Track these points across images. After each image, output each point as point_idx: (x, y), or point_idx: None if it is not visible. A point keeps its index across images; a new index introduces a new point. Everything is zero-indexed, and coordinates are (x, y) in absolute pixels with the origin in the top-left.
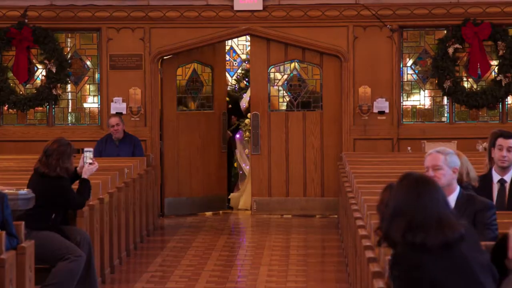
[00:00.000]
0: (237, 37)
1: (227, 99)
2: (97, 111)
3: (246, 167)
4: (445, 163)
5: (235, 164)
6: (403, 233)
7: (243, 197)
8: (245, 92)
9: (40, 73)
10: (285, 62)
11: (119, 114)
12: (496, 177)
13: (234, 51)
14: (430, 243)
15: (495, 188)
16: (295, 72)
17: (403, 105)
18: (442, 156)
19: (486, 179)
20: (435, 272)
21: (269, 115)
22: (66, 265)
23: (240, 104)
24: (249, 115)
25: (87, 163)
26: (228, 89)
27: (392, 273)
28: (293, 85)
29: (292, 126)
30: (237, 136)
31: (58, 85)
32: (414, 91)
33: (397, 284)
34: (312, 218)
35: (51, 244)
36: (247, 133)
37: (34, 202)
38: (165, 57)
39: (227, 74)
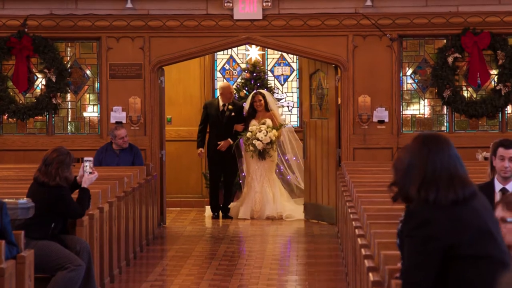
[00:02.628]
0: (237, 46)
1: (230, 107)
2: (96, 120)
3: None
4: None
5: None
6: (418, 189)
7: (242, 207)
8: (245, 102)
9: (40, 82)
10: (316, 71)
11: (120, 124)
12: (498, 186)
13: (234, 61)
14: (441, 200)
15: (497, 197)
16: (320, 81)
17: (402, 114)
18: None
19: (487, 188)
20: (444, 229)
21: (309, 123)
22: (65, 274)
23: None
24: (251, 127)
25: (86, 172)
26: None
27: (403, 231)
28: (318, 93)
29: (317, 133)
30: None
31: (58, 94)
32: (413, 100)
33: (407, 241)
34: (312, 227)
35: (50, 253)
36: (251, 147)
37: (34, 211)
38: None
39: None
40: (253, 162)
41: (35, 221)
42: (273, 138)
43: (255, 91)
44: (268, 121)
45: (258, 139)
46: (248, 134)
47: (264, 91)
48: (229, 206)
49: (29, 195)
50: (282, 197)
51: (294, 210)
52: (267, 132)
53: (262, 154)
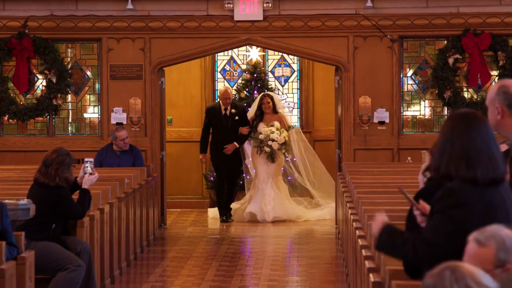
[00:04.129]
0: (237, 47)
1: (233, 110)
2: (97, 121)
3: (246, 177)
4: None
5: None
6: (457, 166)
7: (248, 210)
8: (246, 102)
9: (41, 83)
10: None
11: (120, 125)
12: None
13: (235, 61)
14: (480, 178)
15: None
16: None
17: (403, 115)
18: None
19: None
20: (478, 216)
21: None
22: (66, 275)
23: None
24: (263, 128)
25: (87, 173)
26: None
27: (435, 205)
28: None
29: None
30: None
31: (59, 95)
32: (414, 101)
33: (437, 216)
34: (313, 228)
35: (50, 254)
36: (266, 149)
37: (35, 212)
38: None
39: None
40: (262, 165)
41: (35, 222)
42: (287, 139)
43: (263, 93)
44: (277, 124)
45: (273, 140)
46: (261, 136)
47: (272, 93)
48: (230, 206)
49: (29, 196)
50: (289, 200)
51: (304, 211)
52: (280, 132)
53: (272, 157)
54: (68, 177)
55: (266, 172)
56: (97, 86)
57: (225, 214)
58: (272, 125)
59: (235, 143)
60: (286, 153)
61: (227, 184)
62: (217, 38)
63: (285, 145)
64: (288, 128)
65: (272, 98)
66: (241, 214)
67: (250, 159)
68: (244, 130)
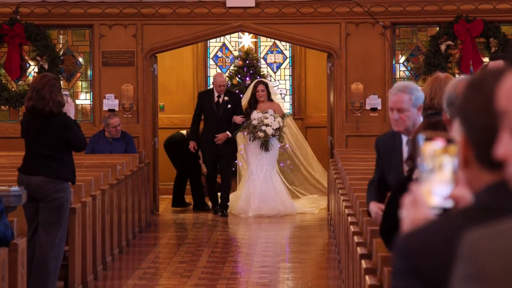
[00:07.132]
0: (230, 33)
1: (226, 98)
2: (89, 107)
3: (239, 164)
4: (410, 104)
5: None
6: None
7: (240, 203)
8: (238, 89)
9: (32, 69)
10: None
11: (113, 111)
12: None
13: (227, 48)
14: None
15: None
16: None
17: None
18: (407, 95)
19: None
20: None
21: None
22: (50, 261)
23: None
24: (256, 114)
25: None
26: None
27: None
28: None
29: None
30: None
31: None
32: None
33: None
34: (305, 215)
35: (62, 219)
36: (260, 134)
37: (26, 198)
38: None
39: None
40: (254, 156)
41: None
42: (281, 124)
43: (257, 80)
44: (271, 112)
45: (267, 125)
46: (254, 121)
47: (266, 80)
48: (228, 204)
49: (25, 128)
50: (284, 194)
51: (302, 203)
52: (274, 118)
53: (266, 145)
54: (60, 100)
55: (258, 163)
56: (89, 73)
57: (221, 208)
58: (267, 112)
59: (227, 132)
60: (280, 139)
61: (221, 178)
62: (210, 25)
63: (280, 130)
64: (283, 116)
65: (266, 86)
66: (233, 204)
67: (242, 145)
68: (238, 119)
